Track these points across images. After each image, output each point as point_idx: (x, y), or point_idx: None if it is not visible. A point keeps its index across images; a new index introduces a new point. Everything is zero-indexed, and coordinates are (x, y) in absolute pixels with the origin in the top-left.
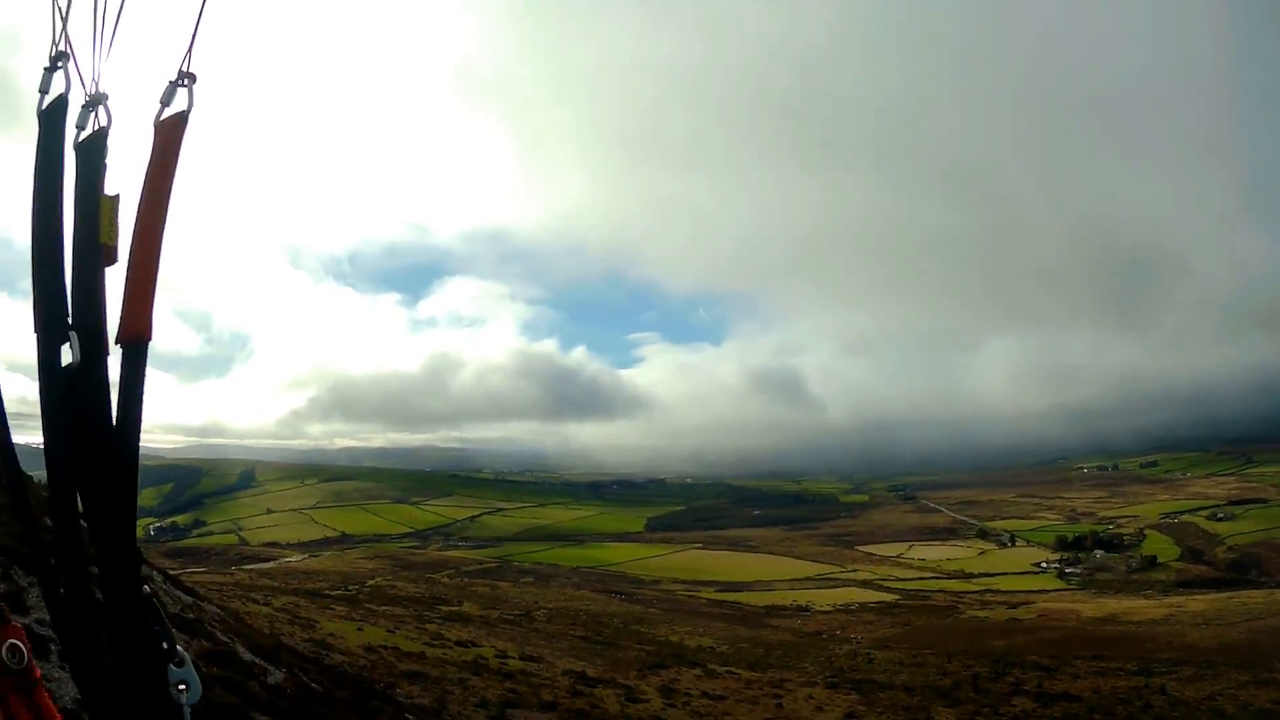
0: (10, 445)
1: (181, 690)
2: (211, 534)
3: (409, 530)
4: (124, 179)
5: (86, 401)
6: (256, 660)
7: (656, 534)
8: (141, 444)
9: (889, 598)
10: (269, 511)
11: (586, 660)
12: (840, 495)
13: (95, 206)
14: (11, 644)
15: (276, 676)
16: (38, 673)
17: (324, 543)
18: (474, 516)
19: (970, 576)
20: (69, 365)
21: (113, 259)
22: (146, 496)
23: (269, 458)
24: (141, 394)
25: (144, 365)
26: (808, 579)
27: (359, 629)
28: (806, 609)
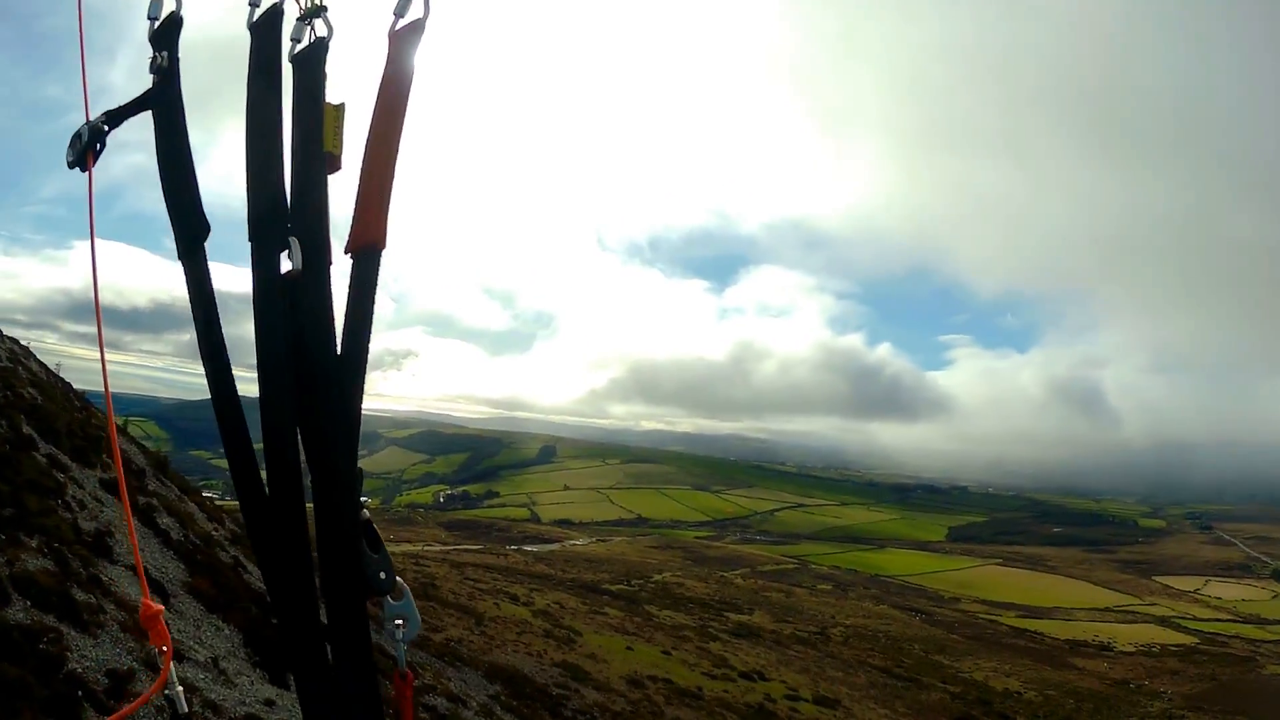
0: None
1: (398, 626)
2: (504, 506)
3: (706, 519)
4: (355, 89)
5: (310, 313)
6: None
7: (957, 545)
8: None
9: (1188, 640)
10: (566, 488)
11: (887, 705)
12: (1137, 519)
13: (317, 115)
14: None
15: None
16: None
17: (618, 524)
18: (773, 511)
19: (1265, 623)
20: (289, 272)
21: (336, 167)
22: (442, 464)
23: (571, 434)
24: (372, 307)
25: (376, 275)
26: (1106, 609)
27: (628, 648)
28: (1109, 648)
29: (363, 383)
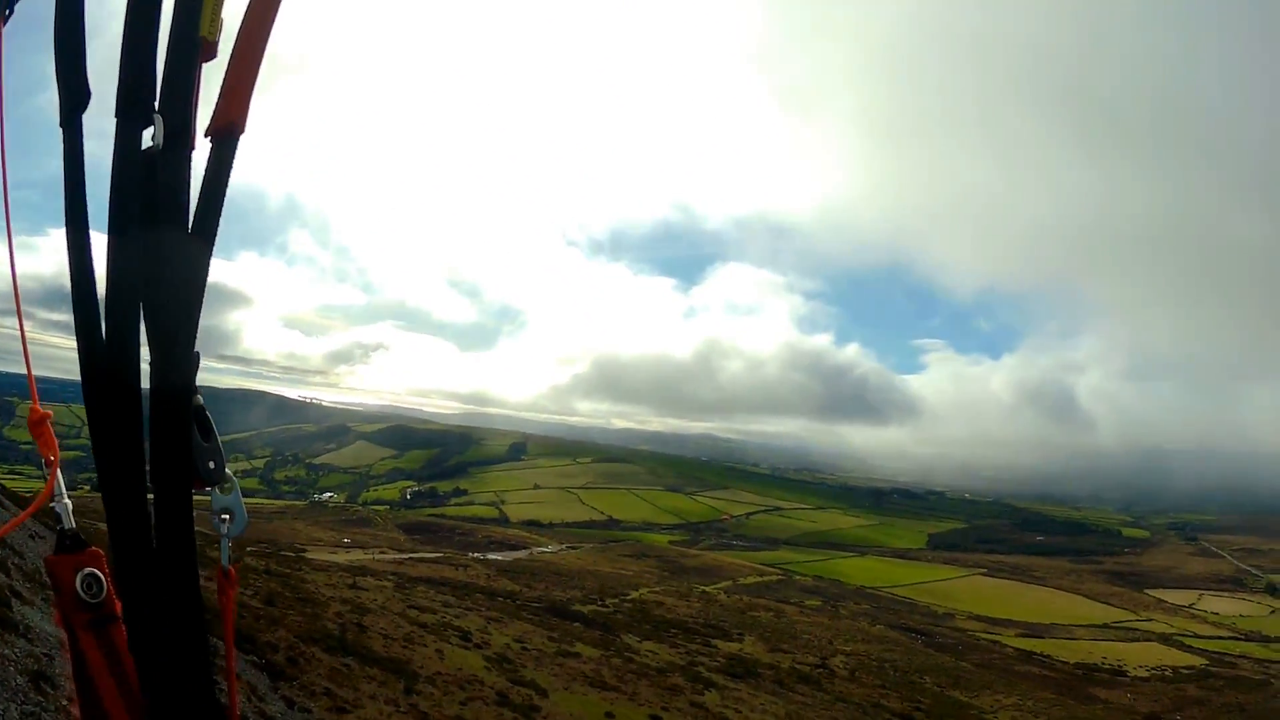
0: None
1: (224, 520)
2: (472, 504)
3: (679, 522)
4: None
5: (164, 190)
6: None
7: (939, 553)
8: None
9: (1196, 661)
10: (536, 487)
11: None
12: (1120, 528)
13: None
14: (89, 573)
15: None
16: (118, 607)
17: (588, 525)
18: (749, 514)
19: (1268, 640)
20: (149, 149)
21: (212, 54)
22: (410, 460)
23: (541, 431)
24: (224, 188)
25: (232, 158)
26: (1105, 626)
27: (608, 715)
28: (1122, 672)
29: (208, 264)
